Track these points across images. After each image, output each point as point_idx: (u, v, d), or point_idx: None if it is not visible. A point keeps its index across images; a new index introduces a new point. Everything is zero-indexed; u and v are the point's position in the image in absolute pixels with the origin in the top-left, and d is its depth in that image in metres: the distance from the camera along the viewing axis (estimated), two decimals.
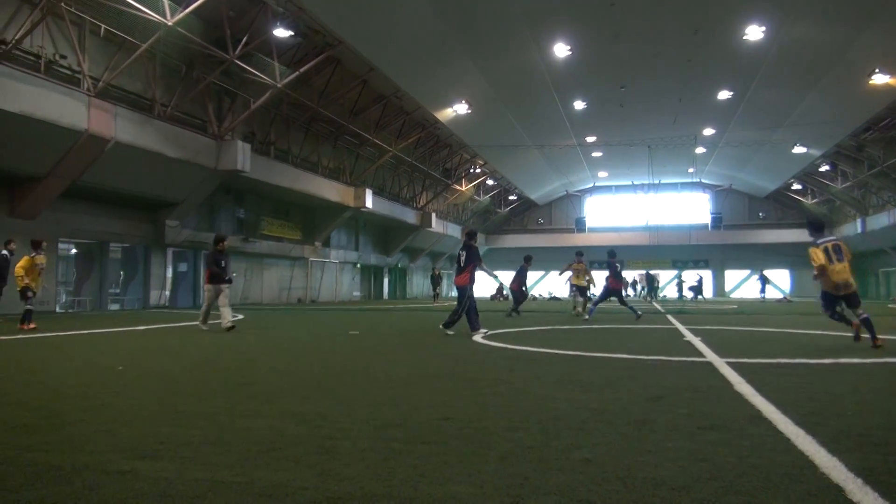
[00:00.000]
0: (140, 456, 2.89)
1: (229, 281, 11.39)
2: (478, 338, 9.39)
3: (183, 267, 24.67)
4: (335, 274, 34.19)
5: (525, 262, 17.70)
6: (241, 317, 15.80)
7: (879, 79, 24.66)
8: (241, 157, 21.78)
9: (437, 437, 3.27)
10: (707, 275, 51.94)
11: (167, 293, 23.17)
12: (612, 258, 15.14)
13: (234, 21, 19.62)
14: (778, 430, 3.38)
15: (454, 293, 12.20)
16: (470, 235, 10.90)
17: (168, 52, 19.75)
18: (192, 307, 22.55)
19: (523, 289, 17.53)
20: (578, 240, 53.75)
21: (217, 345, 8.54)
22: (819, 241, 8.12)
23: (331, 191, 29.38)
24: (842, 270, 7.95)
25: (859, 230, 41.19)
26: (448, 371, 5.98)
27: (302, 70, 21.58)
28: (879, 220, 38.52)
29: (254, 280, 27.77)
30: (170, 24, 16.88)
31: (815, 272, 8.00)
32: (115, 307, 21.77)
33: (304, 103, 24.89)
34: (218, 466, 2.72)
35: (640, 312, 14.68)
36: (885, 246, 40.42)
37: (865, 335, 7.83)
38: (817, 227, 8.44)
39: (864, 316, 7.89)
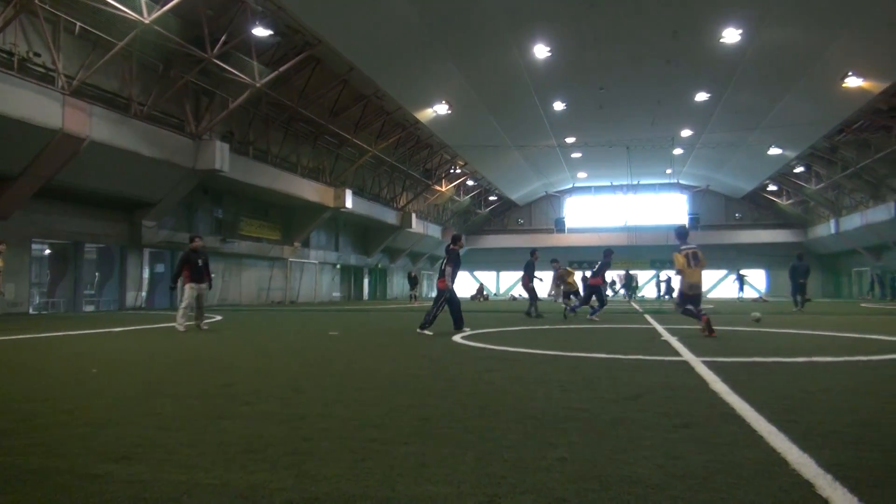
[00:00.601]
0: (114, 459, 2.86)
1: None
2: (457, 338, 9.41)
3: (160, 268, 24.40)
4: (315, 274, 34.03)
5: (532, 256, 16.97)
6: (218, 318, 15.67)
7: (852, 82, 25.13)
8: (220, 156, 21.60)
9: (416, 437, 3.28)
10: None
11: (143, 294, 22.91)
12: (606, 257, 15.45)
13: (213, 20, 19.45)
14: (751, 427, 3.43)
15: (434, 293, 12.24)
16: (453, 239, 11.03)
17: (145, 51, 19.53)
18: (170, 308, 22.32)
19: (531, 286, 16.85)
20: (558, 240, 54.14)
21: (194, 346, 8.46)
22: (682, 248, 9.79)
23: (310, 191, 29.24)
24: (693, 274, 9.72)
25: (833, 231, 41.95)
26: (428, 371, 5.98)
27: (281, 69, 21.45)
28: (852, 221, 39.25)
29: (232, 281, 27.54)
30: (147, 22, 16.70)
31: (677, 272, 9.96)
32: (89, 308, 21.47)
33: (284, 103, 24.75)
34: (194, 469, 2.71)
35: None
36: (857, 246, 41.20)
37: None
38: (683, 235, 10.09)
39: (705, 315, 9.55)
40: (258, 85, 21.15)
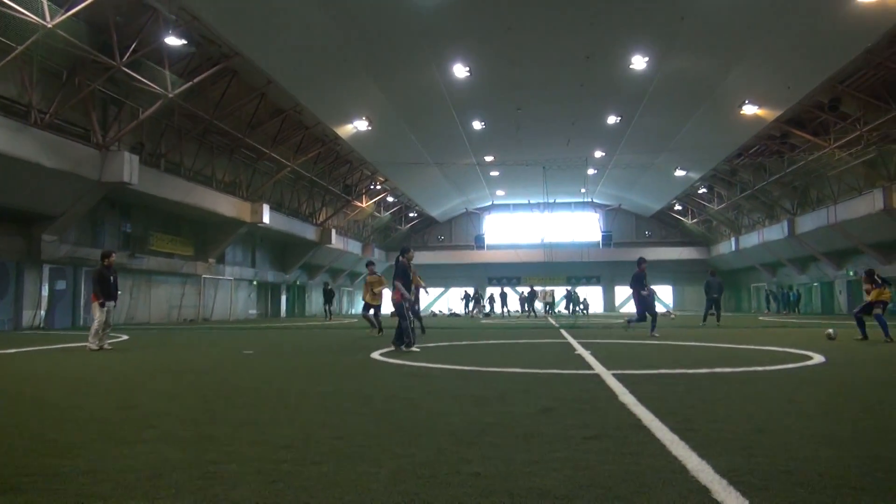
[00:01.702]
0: (1, 490, 2.67)
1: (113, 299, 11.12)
2: (375, 354, 9.34)
3: (61, 285, 22.99)
4: (230, 291, 32.99)
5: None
6: (124, 337, 14.92)
7: (749, 109, 26.96)
8: (128, 168, 20.67)
9: (329, 456, 3.23)
10: (597, 291, 54.34)
11: (42, 313, 21.51)
12: (640, 266, 13.96)
13: (122, 27, 18.70)
14: (655, 437, 3.58)
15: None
16: (402, 251, 10.93)
17: (47, 56, 18.50)
18: (71, 328, 21.09)
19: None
20: (478, 256, 54.96)
21: (97, 367, 8.02)
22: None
23: (226, 205, 28.42)
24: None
25: (733, 248, 44.54)
26: (344, 389, 5.91)
27: (195, 80, 20.86)
28: (750, 240, 41.82)
29: (141, 298, 26.30)
30: (49, 26, 15.87)
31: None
32: None
33: (198, 115, 24.02)
34: (90, 497, 2.56)
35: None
36: (754, 263, 43.91)
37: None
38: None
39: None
40: (171, 95, 20.47)
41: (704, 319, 20.45)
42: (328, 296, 32.09)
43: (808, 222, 33.41)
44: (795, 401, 5.00)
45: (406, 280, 10.64)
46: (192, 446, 3.47)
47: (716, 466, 2.91)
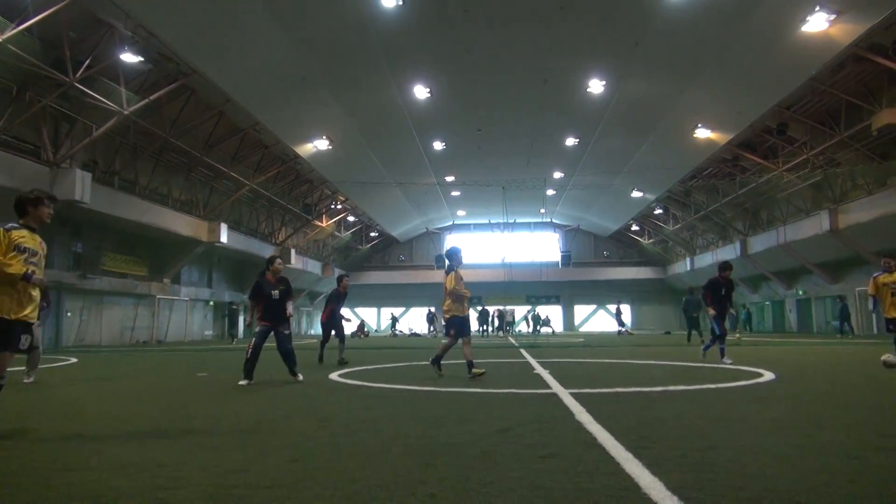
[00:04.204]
0: None
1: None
2: (334, 376, 9.23)
3: None
4: (185, 312, 32.26)
5: (339, 284, 12.47)
6: (73, 360, 14.45)
7: (702, 133, 27.78)
8: (80, 186, 20.14)
9: (284, 480, 3.18)
10: (557, 310, 54.79)
11: None
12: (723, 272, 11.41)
13: (76, 42, 18.34)
14: (610, 455, 3.62)
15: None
16: (268, 262, 9.83)
17: None
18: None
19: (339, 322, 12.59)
20: (439, 276, 54.69)
21: (41, 392, 7.73)
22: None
23: (182, 224, 27.89)
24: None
25: (688, 268, 45.46)
26: (301, 411, 5.83)
27: (151, 97, 20.55)
28: (705, 259, 42.79)
29: (91, 320, 25.52)
30: None
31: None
32: None
33: (155, 132, 23.60)
34: None
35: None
36: None
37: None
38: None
39: None
40: (126, 112, 20.09)
41: (689, 339, 20.45)
42: (232, 317, 30.22)
43: (759, 243, 34.38)
44: (746, 418, 5.12)
45: (254, 300, 9.56)
46: (141, 472, 3.37)
47: (667, 483, 2.96)
